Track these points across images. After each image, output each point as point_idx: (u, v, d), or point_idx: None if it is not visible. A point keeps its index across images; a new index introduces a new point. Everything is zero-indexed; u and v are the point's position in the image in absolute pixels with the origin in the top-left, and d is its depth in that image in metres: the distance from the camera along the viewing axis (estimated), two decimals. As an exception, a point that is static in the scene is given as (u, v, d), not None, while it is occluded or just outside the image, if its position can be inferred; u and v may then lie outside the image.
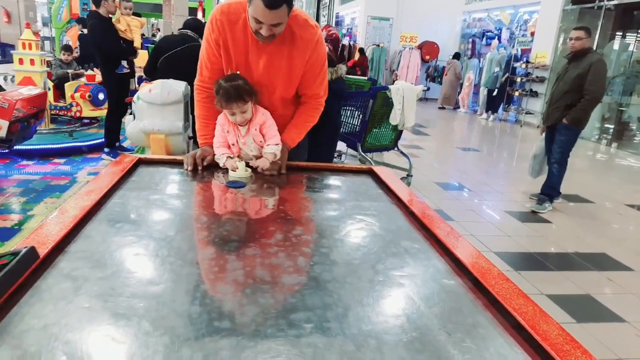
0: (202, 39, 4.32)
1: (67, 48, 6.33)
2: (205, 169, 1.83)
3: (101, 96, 5.78)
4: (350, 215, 1.53)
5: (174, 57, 3.84)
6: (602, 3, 8.33)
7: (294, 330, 0.85)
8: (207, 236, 1.28)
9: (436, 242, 1.28)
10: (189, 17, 4.31)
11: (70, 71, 5.95)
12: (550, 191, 4.38)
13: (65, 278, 0.97)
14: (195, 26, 4.06)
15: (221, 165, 1.82)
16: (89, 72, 5.86)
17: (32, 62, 5.71)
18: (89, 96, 5.72)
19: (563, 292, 2.83)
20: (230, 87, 1.72)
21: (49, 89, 6.02)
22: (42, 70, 5.87)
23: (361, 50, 12.07)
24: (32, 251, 0.97)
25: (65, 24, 8.73)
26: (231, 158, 1.80)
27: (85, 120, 5.97)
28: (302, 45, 1.78)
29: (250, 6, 1.59)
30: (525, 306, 0.94)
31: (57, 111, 6.11)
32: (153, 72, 4.00)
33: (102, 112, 5.78)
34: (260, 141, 1.86)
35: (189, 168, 1.79)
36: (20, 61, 5.69)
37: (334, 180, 1.92)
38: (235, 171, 1.75)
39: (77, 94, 5.87)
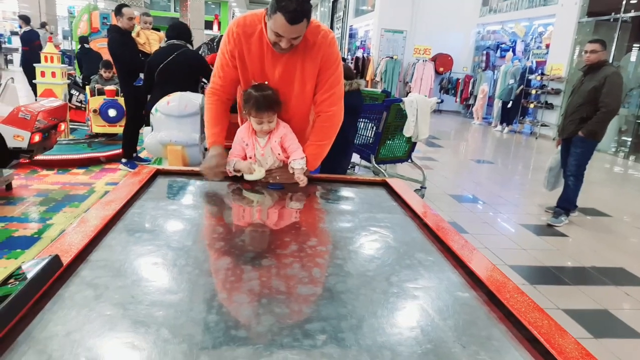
0: (188, 43, 4.32)
1: (106, 65, 6.15)
2: (222, 180, 1.86)
3: (112, 112, 5.66)
4: (364, 227, 1.54)
5: (167, 69, 3.92)
6: (618, 15, 8.26)
7: (309, 340, 0.86)
8: (224, 246, 1.31)
9: (450, 255, 1.28)
10: (172, 24, 4.27)
11: (97, 86, 5.99)
12: (566, 204, 4.33)
13: (87, 286, 0.99)
14: (178, 34, 4.06)
15: (230, 169, 1.85)
16: (110, 87, 5.83)
17: (53, 74, 5.84)
18: (95, 111, 5.67)
19: (580, 307, 2.78)
20: (260, 96, 1.77)
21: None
22: (63, 82, 5.99)
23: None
24: (56, 259, 1.00)
25: (86, 37, 8.91)
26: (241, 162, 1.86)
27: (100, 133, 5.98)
28: (315, 49, 1.81)
29: (270, 20, 1.63)
30: (540, 320, 0.94)
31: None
32: (150, 89, 4.07)
33: (112, 129, 5.76)
34: (279, 154, 1.90)
35: (217, 179, 1.83)
36: (42, 74, 5.83)
37: (347, 192, 1.93)
38: (252, 173, 1.81)
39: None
